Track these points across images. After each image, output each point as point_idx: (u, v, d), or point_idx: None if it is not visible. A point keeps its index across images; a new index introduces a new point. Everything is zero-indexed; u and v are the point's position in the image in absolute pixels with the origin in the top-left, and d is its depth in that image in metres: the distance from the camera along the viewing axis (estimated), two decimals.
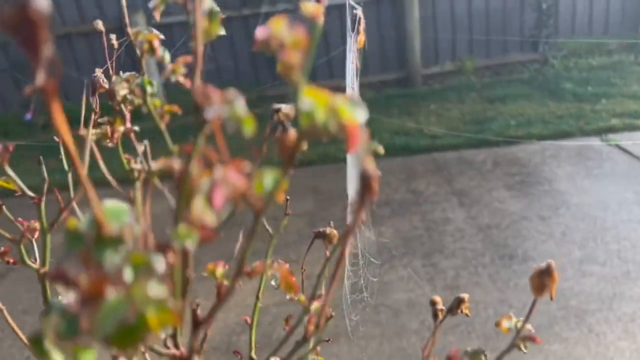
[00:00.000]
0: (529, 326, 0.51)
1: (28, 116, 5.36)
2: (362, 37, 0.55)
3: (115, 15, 4.82)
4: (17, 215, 0.48)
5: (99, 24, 0.57)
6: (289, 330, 0.53)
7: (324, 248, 0.64)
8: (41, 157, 0.51)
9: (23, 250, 0.46)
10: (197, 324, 0.30)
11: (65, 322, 0.19)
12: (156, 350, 0.29)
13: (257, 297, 0.48)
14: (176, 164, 0.34)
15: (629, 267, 2.40)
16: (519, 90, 5.17)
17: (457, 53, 5.86)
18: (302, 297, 0.59)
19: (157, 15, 0.43)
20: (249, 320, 0.48)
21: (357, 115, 0.22)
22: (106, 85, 0.48)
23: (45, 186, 0.48)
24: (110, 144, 0.58)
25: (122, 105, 0.48)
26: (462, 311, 0.52)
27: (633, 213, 2.86)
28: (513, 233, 2.79)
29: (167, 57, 0.45)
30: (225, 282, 0.34)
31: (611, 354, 1.92)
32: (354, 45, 0.56)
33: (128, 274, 0.21)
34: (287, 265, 0.29)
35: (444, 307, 0.64)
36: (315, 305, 0.33)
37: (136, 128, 0.53)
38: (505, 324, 0.51)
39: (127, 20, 0.46)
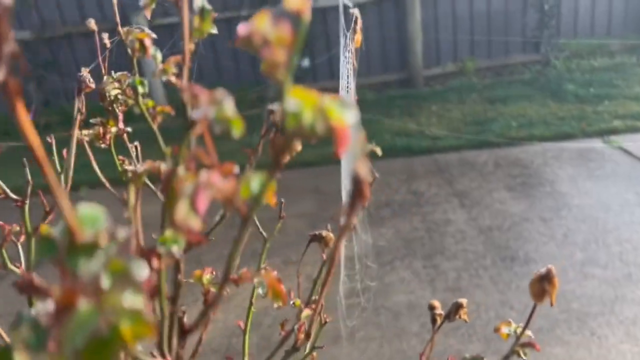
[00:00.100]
0: (528, 332, 0.50)
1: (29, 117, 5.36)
2: (358, 37, 0.54)
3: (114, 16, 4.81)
4: (3, 218, 0.47)
5: (92, 23, 0.56)
6: (285, 336, 0.52)
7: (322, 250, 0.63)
8: (24, 159, 0.50)
9: (5, 255, 0.45)
10: (184, 331, 0.29)
11: (35, 334, 0.18)
12: (141, 359, 0.28)
13: (251, 303, 0.47)
14: (163, 166, 0.33)
15: (630, 270, 2.38)
16: (521, 91, 5.15)
17: (458, 54, 5.84)
18: (298, 301, 0.58)
19: (147, 14, 0.42)
20: (242, 325, 0.47)
21: (346, 116, 0.21)
22: (92, 85, 0.47)
23: (29, 189, 0.47)
24: (103, 145, 0.57)
25: (114, 106, 0.47)
26: (460, 317, 0.51)
27: (635, 215, 2.84)
28: (514, 235, 2.78)
29: (159, 56, 0.44)
30: (212, 289, 0.33)
31: (613, 357, 1.91)
32: (351, 45, 0.55)
33: (105, 283, 0.20)
34: (275, 273, 0.28)
35: (444, 310, 0.63)
36: (305, 313, 0.32)
37: (129, 129, 0.52)
38: (505, 329, 0.50)
39: (117, 19, 0.45)
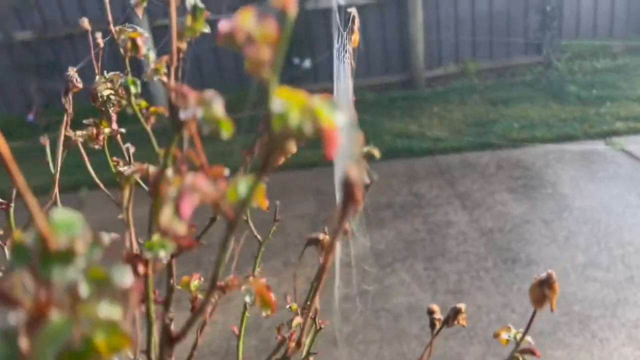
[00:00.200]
0: (528, 338, 0.49)
1: (30, 117, 5.37)
2: (356, 37, 0.53)
3: (116, 17, 4.82)
4: None
5: (85, 23, 0.55)
6: (281, 342, 0.51)
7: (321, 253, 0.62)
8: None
9: None
10: (171, 339, 0.28)
11: (6, 346, 0.17)
12: None
13: (245, 308, 0.46)
14: (151, 168, 0.32)
15: (632, 273, 2.37)
16: (523, 92, 5.13)
17: (460, 55, 5.83)
18: (295, 306, 0.57)
19: (139, 13, 0.41)
20: (236, 330, 0.46)
21: (336, 117, 0.20)
22: (79, 85, 0.46)
23: (15, 191, 0.46)
24: (96, 146, 0.56)
25: (107, 106, 0.47)
26: (458, 322, 0.50)
27: (637, 217, 2.83)
28: (516, 237, 2.77)
29: (152, 56, 0.44)
30: (200, 296, 0.32)
31: None
32: (348, 44, 0.54)
33: (84, 291, 0.20)
34: (264, 280, 0.27)
35: (444, 314, 0.62)
36: (296, 321, 0.31)
37: (122, 130, 0.52)
38: (504, 335, 0.49)
39: (109, 18, 0.44)
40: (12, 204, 0.45)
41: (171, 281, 0.40)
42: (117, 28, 0.44)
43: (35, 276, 0.17)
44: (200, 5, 0.40)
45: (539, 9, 5.54)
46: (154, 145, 0.48)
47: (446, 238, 2.82)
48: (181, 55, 0.39)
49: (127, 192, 0.39)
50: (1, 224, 0.48)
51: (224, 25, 0.18)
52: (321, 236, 0.57)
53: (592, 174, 3.39)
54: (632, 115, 4.24)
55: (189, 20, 0.40)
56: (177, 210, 0.22)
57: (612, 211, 2.91)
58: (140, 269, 0.26)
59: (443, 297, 2.33)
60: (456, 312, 0.51)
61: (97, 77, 0.46)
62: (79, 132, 0.56)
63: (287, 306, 0.54)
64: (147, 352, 0.29)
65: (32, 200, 0.17)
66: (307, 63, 5.49)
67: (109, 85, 0.45)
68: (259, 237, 0.45)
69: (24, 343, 0.16)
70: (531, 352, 0.44)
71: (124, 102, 0.51)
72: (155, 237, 0.28)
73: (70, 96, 0.49)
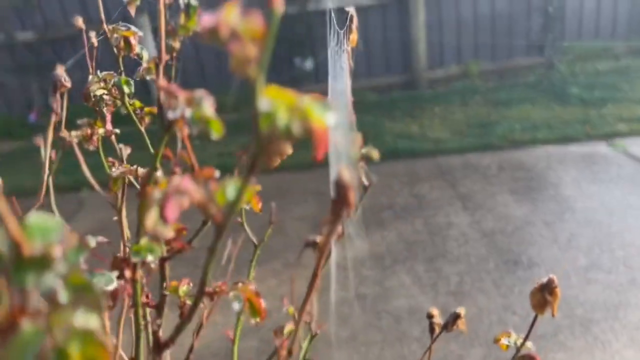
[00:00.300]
0: (529, 343, 0.48)
1: (31, 117, 5.37)
2: (354, 36, 0.52)
3: (118, 18, 4.82)
4: None
5: (80, 22, 0.54)
6: (277, 348, 0.50)
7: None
8: None
9: None
10: (159, 346, 0.27)
11: None
12: None
13: (239, 313, 0.45)
14: (140, 170, 0.31)
15: (634, 275, 2.35)
16: (525, 94, 5.12)
17: (462, 57, 5.82)
18: (291, 309, 0.56)
19: (132, 11, 0.40)
20: (231, 335, 0.45)
21: (326, 117, 0.19)
22: (68, 84, 0.45)
23: None
24: (91, 147, 0.55)
25: (101, 106, 0.46)
26: (458, 327, 0.49)
27: (639, 219, 2.81)
28: (517, 238, 2.75)
29: (146, 55, 0.43)
30: (188, 302, 0.31)
31: None
32: (346, 44, 0.53)
33: (62, 298, 0.19)
34: (253, 287, 0.26)
35: (444, 316, 0.61)
36: (288, 328, 0.31)
37: (117, 130, 0.51)
38: (505, 341, 0.48)
39: (102, 16, 0.43)
40: None
41: (164, 285, 0.39)
42: (111, 27, 0.43)
43: (8, 283, 0.17)
44: (194, 3, 0.39)
45: (541, 11, 5.53)
46: (148, 146, 0.47)
47: (447, 239, 2.80)
48: (174, 54, 0.38)
49: (118, 194, 0.38)
50: None
51: (207, 19, 0.17)
52: (318, 239, 0.56)
53: (594, 175, 3.38)
54: (634, 116, 4.22)
55: (182, 18, 0.39)
56: (161, 214, 0.21)
57: (614, 213, 2.89)
58: (127, 273, 0.25)
59: (444, 298, 2.32)
60: (455, 317, 0.50)
61: (90, 77, 0.45)
62: (73, 133, 0.56)
63: (284, 309, 0.53)
64: (136, 358, 0.28)
65: (2, 204, 0.16)
66: (308, 63, 5.48)
67: (101, 84, 0.44)
68: (254, 240, 0.45)
69: None
70: (531, 358, 0.43)
71: (118, 102, 0.50)
72: (143, 241, 0.27)
73: (60, 96, 0.48)
